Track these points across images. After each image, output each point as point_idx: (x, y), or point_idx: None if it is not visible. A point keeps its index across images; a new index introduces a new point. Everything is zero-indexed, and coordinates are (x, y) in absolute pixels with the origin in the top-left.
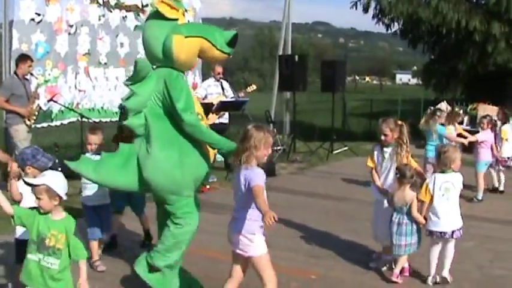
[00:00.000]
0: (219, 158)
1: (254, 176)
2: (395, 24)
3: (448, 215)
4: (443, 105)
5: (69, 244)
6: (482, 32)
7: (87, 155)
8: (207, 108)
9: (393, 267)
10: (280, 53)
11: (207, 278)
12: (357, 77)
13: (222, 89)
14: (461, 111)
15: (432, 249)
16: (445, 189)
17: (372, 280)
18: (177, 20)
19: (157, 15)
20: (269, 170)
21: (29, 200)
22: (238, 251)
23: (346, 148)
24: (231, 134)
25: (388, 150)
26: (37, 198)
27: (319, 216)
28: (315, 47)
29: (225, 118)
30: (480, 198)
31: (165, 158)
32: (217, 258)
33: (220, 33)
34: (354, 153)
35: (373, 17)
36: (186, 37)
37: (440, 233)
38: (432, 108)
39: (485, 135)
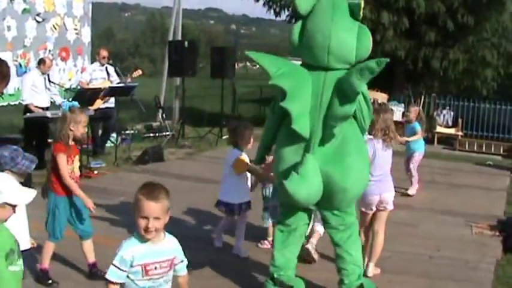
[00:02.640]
0: (109, 144)
1: None
2: (286, 10)
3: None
4: None
5: None
6: (372, 20)
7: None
8: (95, 93)
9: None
10: (171, 38)
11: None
12: (248, 64)
13: (107, 74)
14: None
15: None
16: None
17: (260, 260)
18: None
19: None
20: (157, 155)
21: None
22: (382, 207)
23: None
24: (121, 120)
25: None
26: None
27: (207, 201)
28: (207, 33)
29: (110, 103)
30: None
31: (364, 163)
32: (102, 243)
33: None
34: None
35: (264, 4)
36: None
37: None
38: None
39: None
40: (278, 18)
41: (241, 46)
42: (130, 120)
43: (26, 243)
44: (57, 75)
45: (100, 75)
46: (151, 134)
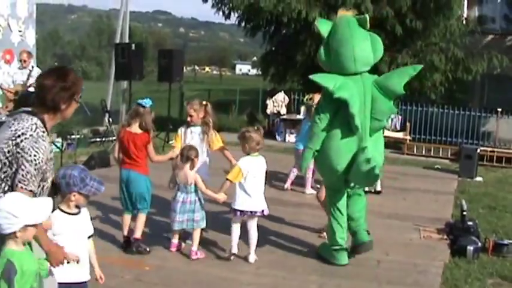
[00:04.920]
0: (54, 149)
1: None
2: (235, 13)
3: (254, 195)
4: (281, 96)
5: None
6: None
7: None
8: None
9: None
10: (118, 41)
11: None
12: (197, 67)
13: (28, 76)
14: None
15: (234, 227)
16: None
17: (206, 267)
18: None
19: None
20: (104, 160)
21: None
22: None
23: None
24: (66, 124)
25: (196, 131)
26: None
27: (153, 207)
28: (155, 36)
29: None
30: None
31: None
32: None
33: None
34: None
35: (213, 6)
36: None
37: (249, 211)
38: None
39: None
40: (228, 21)
41: (190, 49)
42: (75, 124)
43: (84, 274)
44: (1, 78)
45: (20, 78)
46: (98, 139)
